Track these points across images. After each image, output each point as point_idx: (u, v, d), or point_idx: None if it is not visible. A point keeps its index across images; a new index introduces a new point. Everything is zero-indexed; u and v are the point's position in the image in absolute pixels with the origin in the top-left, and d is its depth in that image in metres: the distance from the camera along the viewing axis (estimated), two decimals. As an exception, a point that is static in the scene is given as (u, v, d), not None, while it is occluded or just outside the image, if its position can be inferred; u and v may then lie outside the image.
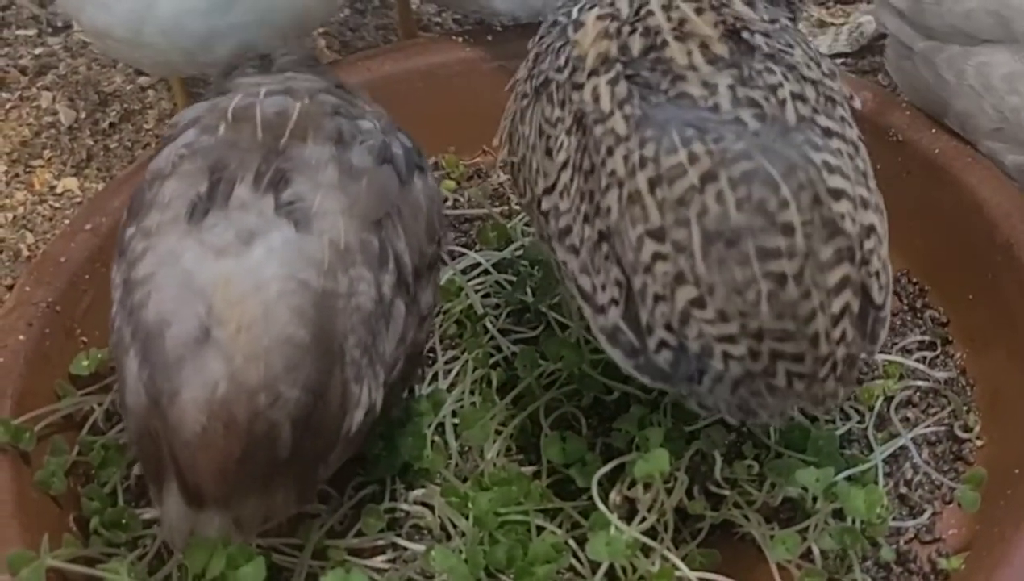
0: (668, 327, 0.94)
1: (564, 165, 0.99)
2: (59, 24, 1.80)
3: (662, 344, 0.95)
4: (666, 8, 0.99)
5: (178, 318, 0.91)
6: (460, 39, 1.47)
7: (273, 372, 0.90)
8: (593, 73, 0.98)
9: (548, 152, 1.01)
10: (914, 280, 1.30)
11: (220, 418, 0.89)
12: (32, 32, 1.79)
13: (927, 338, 1.26)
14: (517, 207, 1.39)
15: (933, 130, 1.30)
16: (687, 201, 0.92)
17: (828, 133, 0.96)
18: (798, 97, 0.97)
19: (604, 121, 0.96)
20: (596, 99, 0.97)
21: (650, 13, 0.99)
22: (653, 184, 0.93)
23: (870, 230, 0.96)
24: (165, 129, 1.05)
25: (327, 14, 1.48)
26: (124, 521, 1.10)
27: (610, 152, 0.96)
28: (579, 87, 0.99)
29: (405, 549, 1.10)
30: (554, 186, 1.01)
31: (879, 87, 1.45)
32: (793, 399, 0.96)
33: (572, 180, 0.99)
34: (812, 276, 0.92)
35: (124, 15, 1.30)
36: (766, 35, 0.99)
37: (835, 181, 0.94)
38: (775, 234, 0.91)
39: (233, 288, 0.92)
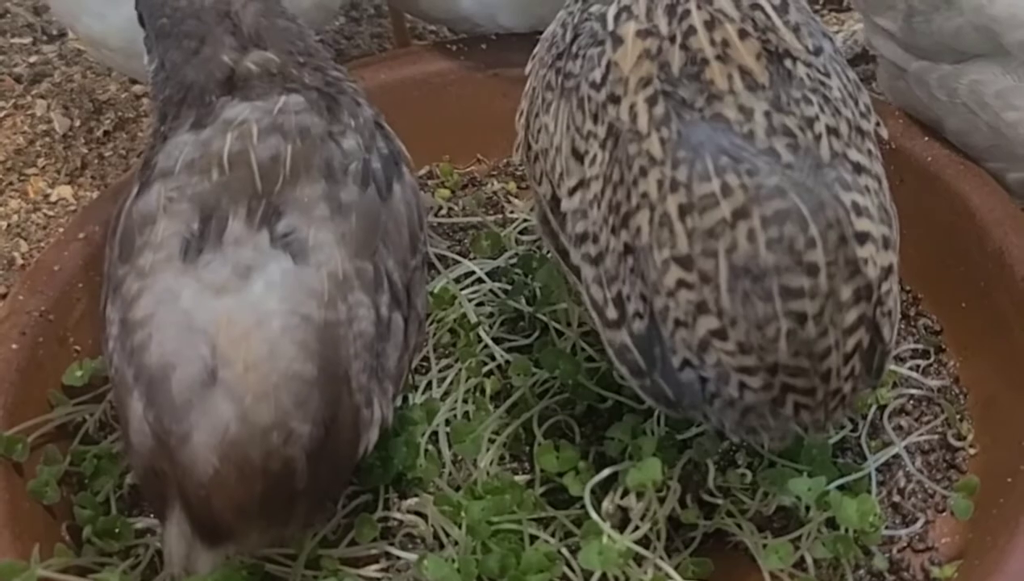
0: (690, 349, 0.95)
1: (596, 177, 0.99)
2: (54, 32, 1.80)
3: (686, 363, 0.96)
4: (709, 27, 0.97)
5: (182, 360, 0.91)
6: (454, 48, 1.47)
7: (283, 409, 0.91)
8: (631, 91, 0.97)
9: (576, 155, 1.00)
10: (907, 288, 1.30)
11: (233, 459, 0.90)
12: (27, 40, 1.79)
13: (920, 346, 1.26)
14: (511, 215, 1.39)
15: (926, 138, 1.30)
16: (717, 234, 0.92)
17: (858, 169, 0.97)
18: (833, 132, 0.97)
19: (640, 141, 0.96)
20: (633, 118, 0.96)
21: (692, 30, 0.97)
22: (684, 211, 0.93)
23: (888, 271, 0.97)
24: (159, 158, 1.02)
25: (322, 22, 1.49)
26: (117, 530, 1.10)
27: (643, 173, 0.95)
28: (616, 101, 0.97)
29: (398, 558, 1.10)
30: (576, 189, 1.00)
31: (872, 95, 1.45)
32: (796, 424, 0.97)
33: (603, 192, 0.98)
34: (831, 316, 0.93)
35: (119, 24, 1.30)
36: (808, 65, 0.99)
37: (862, 224, 0.95)
38: (800, 274, 0.92)
39: (235, 326, 0.92)
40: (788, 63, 0.98)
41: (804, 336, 0.92)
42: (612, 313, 0.98)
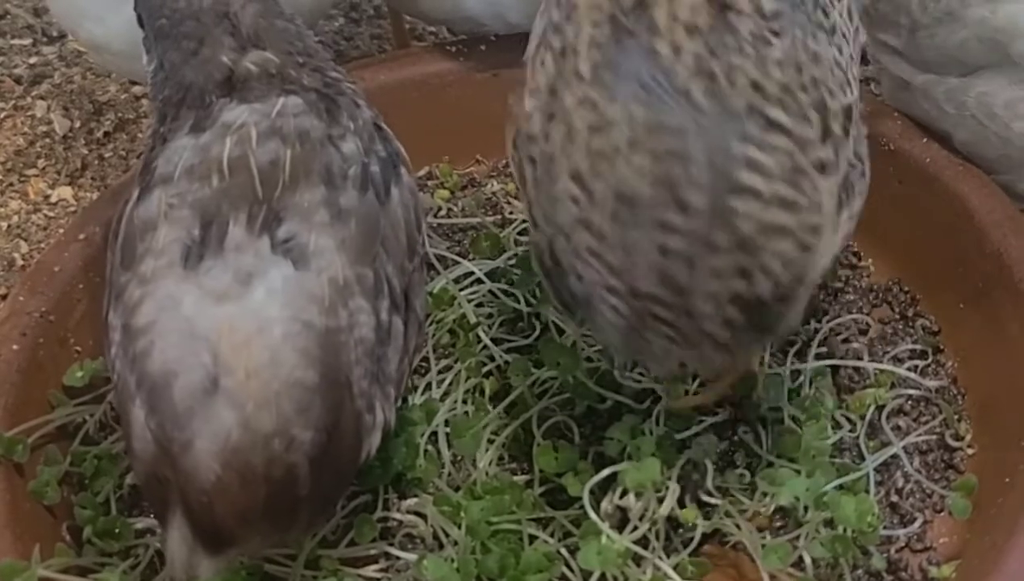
0: (572, 261, 0.99)
1: (542, 87, 1.01)
2: (54, 33, 1.80)
3: (572, 273, 0.99)
4: None
5: (184, 368, 0.91)
6: (454, 49, 1.47)
7: (285, 416, 0.91)
8: (584, 13, 1.00)
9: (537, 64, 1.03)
10: (905, 289, 1.31)
11: (235, 466, 0.90)
12: (27, 41, 1.80)
13: (918, 347, 1.26)
14: (511, 216, 1.40)
15: (924, 139, 1.30)
16: (611, 158, 0.95)
17: (772, 125, 0.97)
18: (756, 86, 0.97)
19: (575, 57, 0.98)
20: (576, 35, 0.99)
21: None
22: (590, 129, 0.96)
23: (777, 230, 0.97)
24: (159, 163, 1.01)
25: (313, 22, 1.50)
26: (117, 530, 1.10)
27: (568, 86, 0.98)
28: (569, 20, 1.00)
29: (398, 558, 1.10)
30: (533, 94, 1.02)
31: (871, 96, 1.45)
32: (675, 359, 1.00)
33: (544, 100, 1.00)
34: (700, 257, 0.95)
35: (121, 28, 1.30)
36: (755, 22, 0.98)
37: (752, 179, 0.95)
38: (675, 211, 0.94)
39: (237, 333, 0.92)
40: (732, 16, 0.99)
41: (669, 269, 0.95)
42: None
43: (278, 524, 0.94)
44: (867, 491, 1.12)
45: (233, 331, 0.92)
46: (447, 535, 1.11)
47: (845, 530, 1.07)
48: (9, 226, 1.53)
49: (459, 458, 1.17)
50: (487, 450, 1.16)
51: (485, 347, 1.24)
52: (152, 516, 1.12)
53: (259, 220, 0.96)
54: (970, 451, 1.18)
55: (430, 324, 1.26)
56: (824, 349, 1.25)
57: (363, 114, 1.08)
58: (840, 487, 1.11)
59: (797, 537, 1.09)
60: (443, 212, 1.41)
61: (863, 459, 1.17)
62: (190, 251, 0.95)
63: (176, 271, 0.95)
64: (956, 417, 1.20)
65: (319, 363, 0.93)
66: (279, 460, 0.91)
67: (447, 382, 1.22)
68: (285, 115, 1.02)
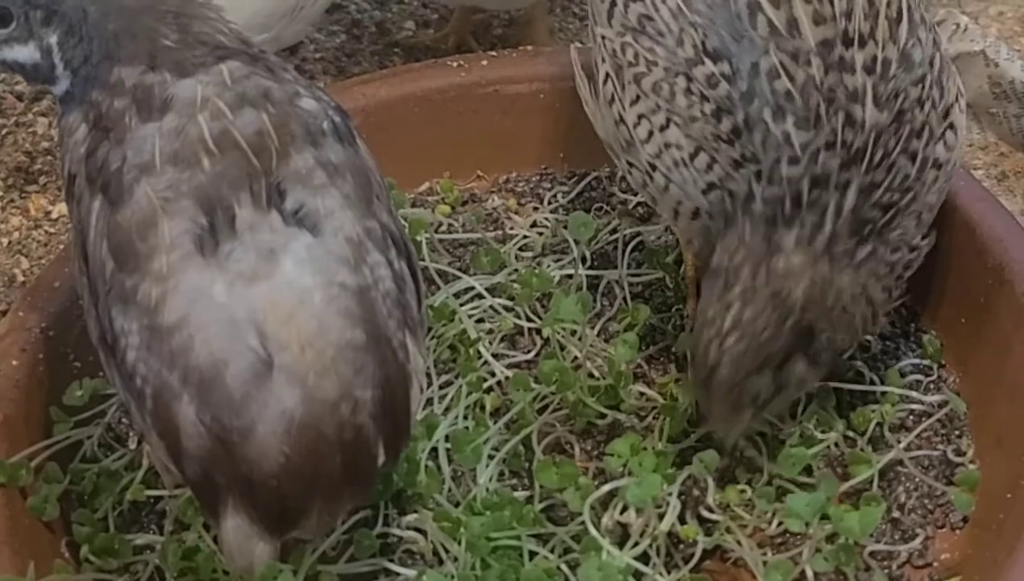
0: None
1: None
2: (56, 50, 1.80)
3: None
4: None
5: (233, 354, 0.91)
6: (455, 64, 1.47)
7: (346, 380, 0.92)
8: None
9: None
10: (906, 304, 1.30)
11: (306, 442, 0.91)
12: (29, 58, 1.80)
13: (920, 362, 1.26)
14: (511, 232, 1.40)
15: (925, 154, 1.30)
16: None
17: None
18: None
19: None
20: None
21: None
22: None
23: None
24: (128, 154, 0.97)
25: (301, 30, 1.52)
26: (116, 547, 1.10)
27: None
28: None
29: (397, 574, 1.10)
30: None
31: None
32: None
33: None
34: None
35: None
36: None
37: None
38: None
39: (280, 309, 0.92)
40: None
41: None
42: None
43: (357, 488, 0.96)
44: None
45: (276, 308, 0.92)
46: (447, 551, 1.10)
47: (847, 540, 1.07)
48: (10, 242, 1.53)
49: (459, 473, 1.16)
50: (487, 465, 1.16)
51: (486, 362, 1.24)
52: (152, 532, 1.13)
53: (263, 195, 0.96)
54: (972, 466, 1.18)
55: (431, 339, 1.26)
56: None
57: (288, 65, 1.07)
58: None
59: (799, 553, 1.08)
60: (444, 227, 1.41)
61: (865, 474, 1.16)
62: (202, 240, 0.94)
63: (195, 261, 0.93)
64: (957, 432, 1.20)
65: (362, 322, 0.94)
66: (349, 424, 0.92)
67: (448, 397, 1.22)
68: (239, 80, 1.00)
